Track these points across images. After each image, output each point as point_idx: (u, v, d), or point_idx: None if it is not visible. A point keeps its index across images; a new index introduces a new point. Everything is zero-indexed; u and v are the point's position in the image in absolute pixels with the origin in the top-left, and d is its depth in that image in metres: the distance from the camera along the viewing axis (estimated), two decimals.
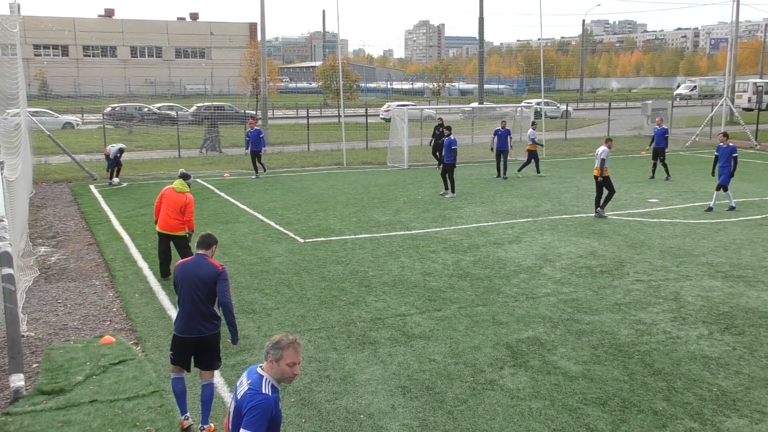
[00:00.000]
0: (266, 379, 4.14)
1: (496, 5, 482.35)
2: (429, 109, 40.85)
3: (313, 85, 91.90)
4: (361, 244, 13.83)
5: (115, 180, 21.78)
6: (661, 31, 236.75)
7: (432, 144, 26.44)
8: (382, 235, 14.61)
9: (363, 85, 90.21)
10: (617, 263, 12.35)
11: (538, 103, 38.17)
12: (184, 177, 11.10)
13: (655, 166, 22.55)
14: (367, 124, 33.93)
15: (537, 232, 14.87)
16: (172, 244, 11.25)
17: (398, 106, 34.58)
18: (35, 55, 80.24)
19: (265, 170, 23.36)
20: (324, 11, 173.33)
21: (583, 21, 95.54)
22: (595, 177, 16.51)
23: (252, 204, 18.28)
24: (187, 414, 6.69)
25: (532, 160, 23.18)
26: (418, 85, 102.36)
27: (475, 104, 47.18)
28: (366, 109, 40.19)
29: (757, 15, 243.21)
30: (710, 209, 16.94)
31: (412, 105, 42.33)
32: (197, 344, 6.46)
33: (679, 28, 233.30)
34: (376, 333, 9.02)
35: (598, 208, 16.39)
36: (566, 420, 6.76)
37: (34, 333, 9.19)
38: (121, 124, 41.26)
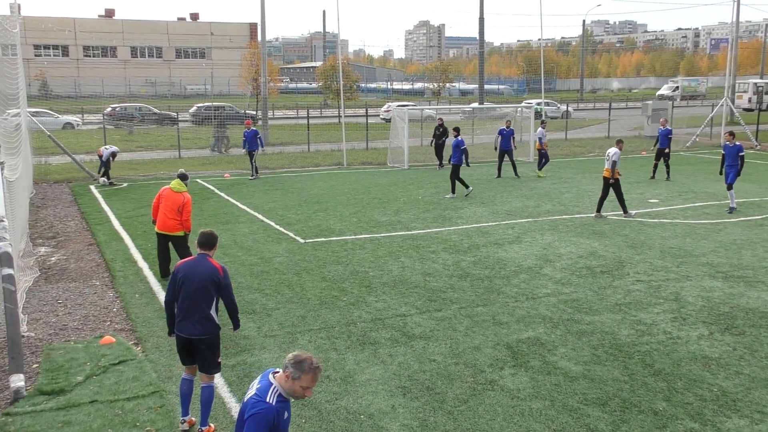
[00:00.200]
0: (275, 388, 4.13)
1: (496, 5, 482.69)
2: (429, 109, 40.83)
3: (314, 85, 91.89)
4: (362, 244, 13.83)
5: (102, 180, 21.87)
6: (662, 31, 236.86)
7: (433, 144, 26.47)
8: (382, 235, 14.61)
9: (363, 85, 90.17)
10: (617, 263, 12.35)
11: (539, 104, 38.14)
12: (182, 177, 11.10)
13: (656, 166, 22.55)
14: (368, 125, 33.93)
15: (537, 232, 14.87)
16: (170, 244, 11.24)
17: (398, 106, 34.55)
18: (35, 56, 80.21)
19: (255, 174, 23.01)
20: (324, 11, 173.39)
21: (584, 21, 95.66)
22: (606, 178, 16.40)
23: (252, 204, 18.28)
24: (189, 417, 6.68)
25: (544, 158, 23.31)
26: (418, 85, 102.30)
27: (475, 104, 47.18)
28: (366, 110, 40.21)
29: (758, 15, 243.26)
30: (732, 210, 16.81)
31: (413, 105, 42.32)
32: (192, 344, 6.44)
33: (679, 29, 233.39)
34: (376, 333, 9.02)
35: (622, 213, 16.35)
36: (566, 420, 6.76)
37: (35, 333, 9.19)
38: (121, 125, 41.27)
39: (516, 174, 23.20)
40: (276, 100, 63.58)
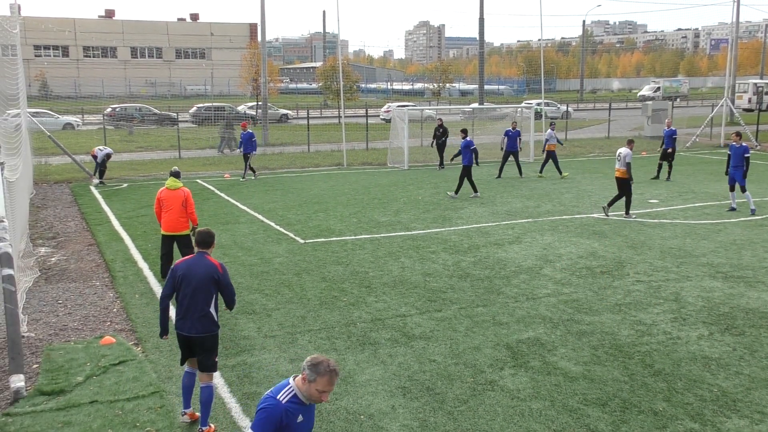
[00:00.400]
0: (290, 388, 4.09)
1: (496, 5, 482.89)
2: (429, 109, 40.83)
3: (314, 85, 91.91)
4: (362, 244, 13.84)
5: (95, 180, 21.90)
6: (662, 31, 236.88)
7: (434, 145, 26.47)
8: (382, 235, 14.61)
9: (363, 85, 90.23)
10: (617, 264, 12.35)
11: (539, 104, 38.15)
12: (176, 175, 11.09)
13: (660, 166, 22.55)
14: (368, 125, 33.94)
15: (537, 232, 14.87)
16: (175, 245, 11.21)
17: (398, 106, 34.57)
18: (35, 56, 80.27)
19: (245, 176, 22.91)
20: (324, 12, 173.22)
21: (584, 21, 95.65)
22: (618, 179, 16.33)
23: (252, 205, 18.28)
24: (190, 410, 6.70)
25: (554, 158, 23.21)
26: (418, 85, 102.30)
27: (475, 105, 47.18)
28: (366, 110, 40.21)
29: (758, 15, 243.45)
30: (753, 211, 16.67)
31: (413, 106, 42.32)
32: (192, 342, 6.47)
33: (679, 29, 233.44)
34: (376, 333, 9.02)
35: (625, 213, 16.32)
36: (566, 420, 6.76)
37: (35, 334, 9.19)
38: (121, 125, 41.28)
39: (520, 174, 23.25)
40: (276, 101, 63.57)
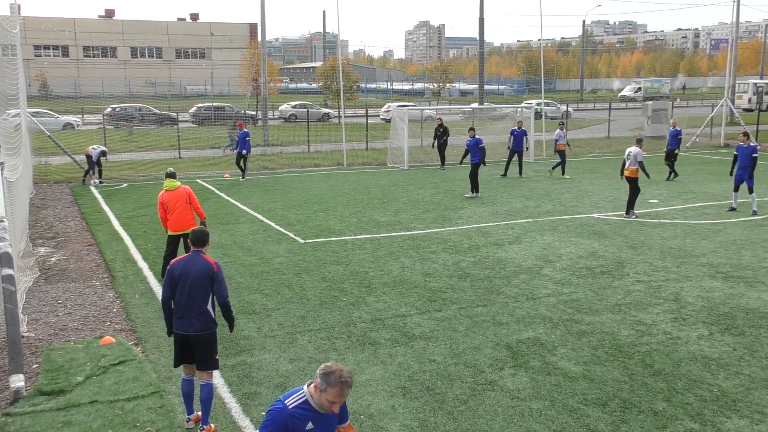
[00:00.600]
0: (302, 394, 4.01)
1: (496, 5, 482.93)
2: (429, 109, 40.83)
3: (314, 85, 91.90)
4: (362, 244, 13.83)
5: (95, 180, 21.91)
6: (662, 31, 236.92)
7: (434, 145, 26.48)
8: (382, 235, 14.61)
9: (363, 85, 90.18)
10: (617, 264, 12.35)
11: (539, 104, 38.14)
12: (172, 176, 11.06)
13: (669, 167, 22.55)
14: (368, 125, 33.94)
15: (537, 232, 14.87)
16: (180, 244, 11.16)
17: (398, 106, 34.57)
18: (35, 56, 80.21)
19: (245, 176, 22.77)
20: (324, 12, 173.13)
21: (584, 21, 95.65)
22: (629, 178, 16.29)
23: (252, 204, 18.28)
24: (194, 415, 6.71)
25: (562, 158, 23.19)
26: (418, 85, 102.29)
27: (475, 105, 47.18)
28: (366, 110, 40.21)
29: (758, 15, 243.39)
30: (755, 212, 16.61)
31: (413, 105, 42.31)
32: (190, 341, 6.48)
33: (679, 29, 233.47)
34: (376, 333, 9.02)
35: (630, 211, 16.30)
36: (566, 420, 6.76)
37: (35, 334, 9.19)
38: (121, 125, 41.28)
39: (520, 174, 23.28)
40: (276, 101, 63.58)
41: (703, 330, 9.14)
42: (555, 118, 47.85)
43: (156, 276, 11.65)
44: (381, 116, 48.27)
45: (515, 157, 23.42)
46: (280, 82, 78.39)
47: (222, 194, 19.99)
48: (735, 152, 17.14)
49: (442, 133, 26.02)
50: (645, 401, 7.15)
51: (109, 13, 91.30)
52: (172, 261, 6.71)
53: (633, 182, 16.26)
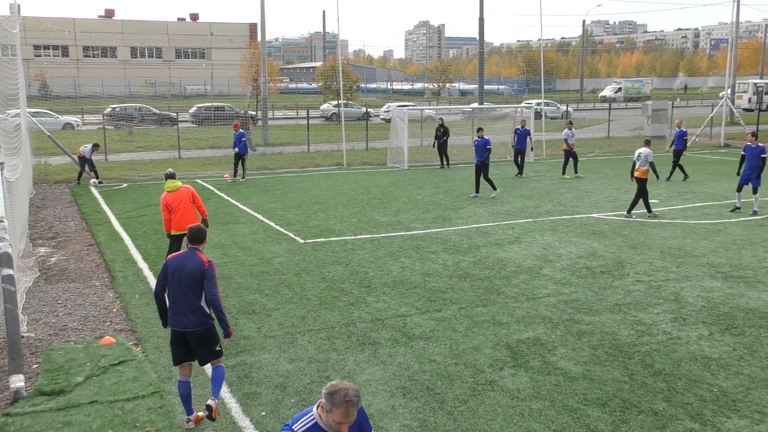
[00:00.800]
0: (311, 417, 3.83)
1: (496, 5, 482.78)
2: (429, 109, 40.83)
3: (314, 85, 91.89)
4: (362, 244, 13.83)
5: (94, 180, 21.90)
6: (662, 31, 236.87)
7: (435, 146, 26.48)
8: (382, 235, 14.61)
9: (363, 85, 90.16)
10: (617, 264, 12.35)
11: (538, 104, 38.15)
12: (172, 176, 11.05)
13: (681, 168, 22.53)
14: (368, 125, 33.94)
15: (537, 232, 14.87)
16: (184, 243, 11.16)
17: (398, 106, 34.57)
18: (35, 56, 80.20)
19: (243, 176, 22.75)
20: (324, 12, 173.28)
21: (584, 21, 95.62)
22: (638, 179, 16.27)
23: (252, 205, 18.28)
24: (194, 415, 6.71)
25: (570, 159, 23.06)
26: (418, 85, 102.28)
27: (475, 105, 47.16)
28: (366, 110, 40.21)
29: (757, 15, 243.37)
30: (755, 212, 16.59)
31: (412, 105, 42.30)
32: (188, 337, 6.52)
33: (679, 29, 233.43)
34: (376, 334, 9.02)
35: (646, 213, 16.30)
36: (566, 420, 6.75)
37: (34, 334, 9.19)
38: (121, 125, 41.27)
39: (521, 174, 23.30)
40: (276, 101, 63.60)
41: (703, 330, 9.14)
42: (555, 117, 47.92)
43: (156, 276, 11.62)
44: (381, 116, 48.29)
45: (519, 156, 23.52)
46: (280, 82, 78.36)
47: (222, 194, 20.00)
48: (742, 152, 17.03)
49: (442, 134, 26.03)
50: (645, 401, 7.15)
51: (109, 13, 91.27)
52: (169, 256, 6.76)
53: (642, 183, 16.23)
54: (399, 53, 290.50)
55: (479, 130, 20.11)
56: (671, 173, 22.41)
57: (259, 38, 37.63)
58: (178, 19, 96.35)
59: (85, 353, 8.46)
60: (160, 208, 11.22)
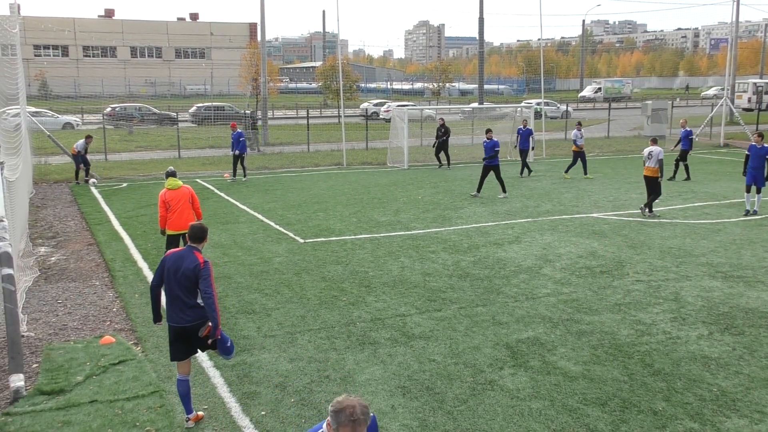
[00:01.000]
0: None
1: (496, 5, 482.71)
2: (429, 109, 40.84)
3: (313, 85, 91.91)
4: (361, 244, 13.84)
5: (94, 180, 21.90)
6: (661, 31, 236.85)
7: (435, 146, 26.47)
8: (382, 235, 14.61)
9: (363, 85, 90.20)
10: (617, 263, 12.35)
11: (538, 104, 38.16)
12: (173, 174, 11.04)
13: (687, 167, 22.51)
14: (367, 125, 33.94)
15: (537, 232, 14.87)
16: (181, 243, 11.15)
17: (398, 106, 34.58)
18: (35, 56, 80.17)
19: (244, 175, 22.72)
20: (324, 11, 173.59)
21: (583, 21, 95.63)
22: (648, 177, 16.24)
23: (252, 204, 18.29)
24: (193, 414, 6.71)
25: (578, 160, 22.92)
26: (418, 85, 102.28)
27: (475, 104, 47.20)
28: (366, 110, 40.20)
29: (757, 15, 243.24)
30: (755, 212, 16.55)
31: (412, 105, 42.32)
32: (185, 333, 6.53)
33: (679, 29, 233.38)
34: (376, 333, 9.02)
35: (648, 211, 16.27)
36: (566, 420, 6.76)
37: (34, 333, 9.19)
38: (121, 125, 41.26)
39: (521, 174, 23.35)
40: (276, 100, 63.58)
41: (703, 330, 9.15)
42: (555, 117, 47.91)
43: None
44: (380, 116, 48.34)
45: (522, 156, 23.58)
46: (279, 81, 78.40)
47: (222, 194, 20.00)
48: (747, 152, 16.90)
49: (443, 133, 26.03)
50: (645, 401, 7.15)
51: (109, 13, 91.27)
52: (168, 252, 6.75)
53: (653, 181, 16.21)
54: (399, 53, 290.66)
55: (488, 131, 19.93)
56: (675, 173, 22.42)
57: (259, 38, 37.64)
58: (178, 18, 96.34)
59: (85, 353, 8.46)
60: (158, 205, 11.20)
